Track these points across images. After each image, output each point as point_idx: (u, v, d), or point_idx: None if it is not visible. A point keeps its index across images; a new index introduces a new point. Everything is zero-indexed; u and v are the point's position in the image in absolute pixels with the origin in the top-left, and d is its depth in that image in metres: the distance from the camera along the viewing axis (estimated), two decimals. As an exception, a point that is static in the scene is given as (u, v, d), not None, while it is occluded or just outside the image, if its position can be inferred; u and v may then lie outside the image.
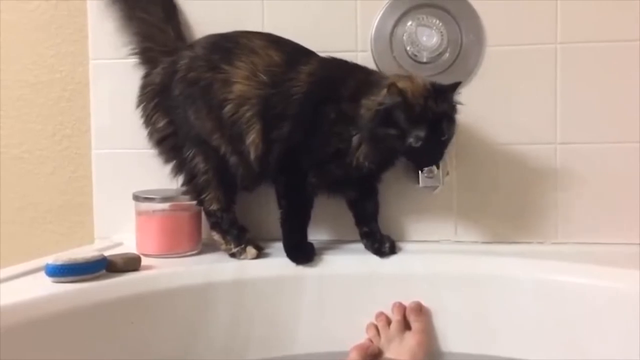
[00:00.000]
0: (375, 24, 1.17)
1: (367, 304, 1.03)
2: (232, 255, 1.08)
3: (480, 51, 1.15)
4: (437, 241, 1.18)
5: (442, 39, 1.14)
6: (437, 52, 1.15)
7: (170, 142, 1.12)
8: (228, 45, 1.08)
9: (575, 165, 1.14)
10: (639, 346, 0.88)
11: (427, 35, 1.15)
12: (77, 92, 1.28)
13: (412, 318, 1.00)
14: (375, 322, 1.02)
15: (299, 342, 1.03)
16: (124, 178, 1.23)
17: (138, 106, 1.14)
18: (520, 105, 1.13)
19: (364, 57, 1.17)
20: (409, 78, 1.00)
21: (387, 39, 1.17)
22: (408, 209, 1.19)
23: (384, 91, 0.96)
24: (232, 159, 1.08)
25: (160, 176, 1.18)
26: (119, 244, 1.19)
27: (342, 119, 1.02)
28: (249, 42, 1.07)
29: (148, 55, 1.15)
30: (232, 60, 1.06)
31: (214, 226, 1.11)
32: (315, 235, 1.19)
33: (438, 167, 1.06)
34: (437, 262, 1.07)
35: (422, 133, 0.95)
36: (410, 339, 0.98)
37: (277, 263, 1.06)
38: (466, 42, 1.15)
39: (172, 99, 1.09)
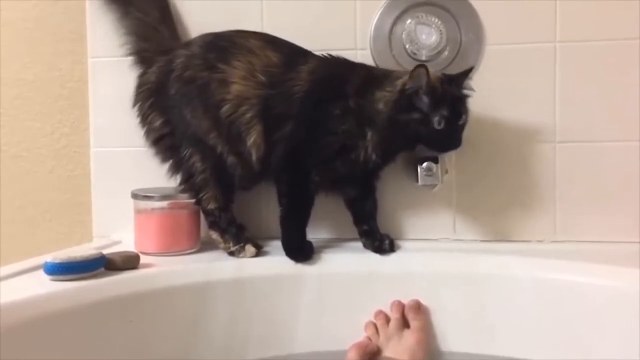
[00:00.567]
0: (375, 22, 1.17)
1: (366, 303, 1.03)
2: (231, 253, 1.08)
3: (480, 49, 1.15)
4: (436, 239, 1.18)
5: (441, 37, 1.14)
6: (436, 51, 1.15)
7: (167, 141, 1.12)
8: (224, 44, 1.08)
9: (574, 164, 1.14)
10: (639, 345, 0.89)
11: (426, 34, 1.15)
12: (75, 91, 1.28)
13: (411, 316, 1.00)
14: (374, 321, 1.02)
15: (298, 341, 1.03)
16: (123, 176, 1.23)
17: (134, 106, 1.14)
18: (519, 103, 1.13)
19: (363, 56, 1.16)
20: (424, 67, 1.01)
21: (386, 37, 1.17)
22: (407, 207, 1.19)
23: (402, 80, 1.00)
24: (230, 159, 1.08)
25: (159, 174, 1.18)
26: (118, 242, 1.19)
27: (350, 115, 1.02)
28: (246, 42, 1.07)
29: (143, 55, 1.15)
30: (229, 60, 1.06)
31: (212, 225, 1.11)
32: (314, 233, 1.19)
33: (436, 163, 1.06)
34: (435, 260, 1.07)
35: (445, 113, 0.98)
36: (409, 337, 0.98)
37: (276, 261, 1.06)
38: (465, 41, 1.15)
39: (169, 98, 1.09)
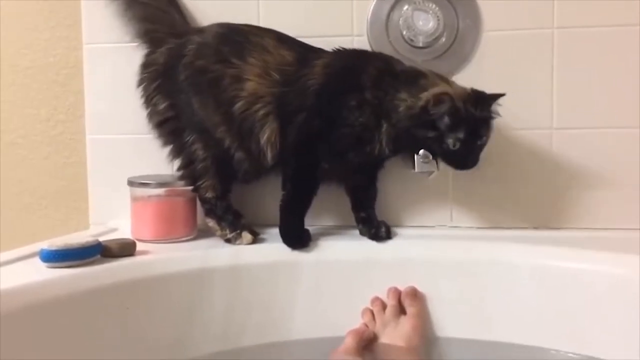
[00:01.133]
0: (372, 8, 1.16)
1: (363, 290, 1.03)
2: (228, 240, 1.08)
3: (477, 36, 1.14)
4: (433, 226, 1.19)
5: (438, 24, 1.13)
6: (433, 37, 1.14)
7: (170, 125, 1.11)
8: (239, 39, 1.07)
9: (572, 151, 1.14)
10: (639, 332, 0.89)
11: (423, 20, 1.14)
12: (71, 77, 1.27)
13: (407, 303, 1.01)
14: (371, 307, 1.03)
15: (295, 328, 1.03)
16: (119, 163, 1.23)
17: (139, 86, 1.13)
18: (516, 90, 1.12)
19: (360, 42, 1.16)
20: (446, 81, 1.02)
21: (383, 24, 1.16)
22: (404, 194, 1.19)
23: (427, 95, 0.98)
24: (238, 154, 1.08)
25: (156, 162, 1.17)
26: (114, 230, 1.19)
27: (366, 107, 1.02)
28: (261, 39, 1.07)
29: (152, 36, 1.13)
30: (243, 56, 1.05)
31: (209, 213, 1.11)
32: (311, 221, 1.19)
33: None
34: (432, 247, 1.07)
35: (461, 136, 0.97)
36: (405, 324, 0.98)
37: (273, 248, 1.06)
38: (463, 27, 1.14)
39: (177, 83, 1.08)
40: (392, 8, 1.16)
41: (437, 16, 1.14)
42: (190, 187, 1.11)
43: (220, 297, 1.01)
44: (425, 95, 0.98)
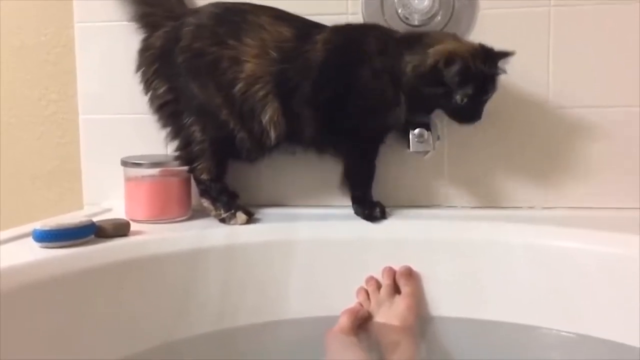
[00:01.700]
0: (367, -14, 1.15)
1: (358, 269, 1.03)
2: (222, 220, 1.08)
3: (473, 14, 1.13)
4: (428, 206, 1.18)
5: (433, 2, 1.12)
6: (429, 15, 1.13)
7: (170, 108, 1.11)
8: (235, 19, 1.06)
9: (567, 130, 1.14)
10: (633, 310, 0.90)
11: (418, -2, 1.13)
12: (63, 56, 1.26)
13: (402, 282, 1.01)
14: (366, 287, 1.03)
15: (289, 307, 1.03)
16: (113, 144, 1.22)
17: (137, 70, 1.12)
18: (512, 68, 1.11)
19: (354, 20, 1.14)
20: (454, 37, 1.03)
21: (378, 2, 1.15)
22: (399, 174, 1.18)
23: (435, 51, 0.98)
24: (241, 135, 1.07)
25: (150, 141, 1.17)
26: (108, 210, 1.18)
27: (381, 75, 1.03)
28: (257, 18, 1.06)
29: (148, 19, 1.12)
30: (240, 36, 1.05)
31: (204, 193, 1.11)
32: (306, 200, 1.20)
33: (428, 129, 1.06)
34: (427, 227, 1.07)
35: (469, 92, 0.98)
36: (400, 303, 0.99)
37: (268, 228, 1.07)
38: (458, 5, 1.13)
39: (174, 66, 1.08)
40: (388, -14, 1.14)
41: (433, -6, 1.12)
42: (186, 168, 1.11)
43: (215, 277, 1.01)
44: (433, 52, 0.99)
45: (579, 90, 1.12)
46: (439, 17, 1.13)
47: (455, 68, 0.97)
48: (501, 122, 1.12)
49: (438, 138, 1.10)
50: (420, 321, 1.00)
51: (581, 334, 0.94)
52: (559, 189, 1.15)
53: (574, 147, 1.14)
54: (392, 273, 1.02)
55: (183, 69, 1.07)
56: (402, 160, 1.17)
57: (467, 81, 0.98)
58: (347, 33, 1.08)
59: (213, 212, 1.09)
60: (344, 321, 0.96)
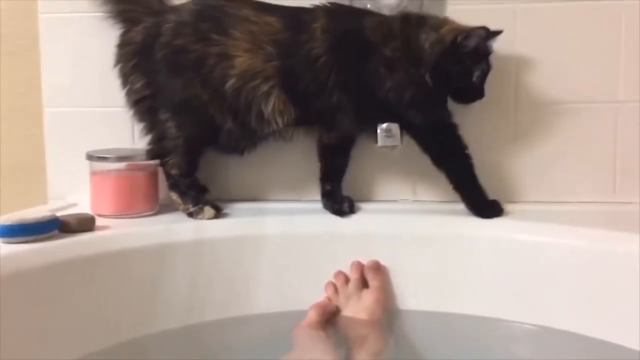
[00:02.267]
0: (336, -21, 1.15)
1: (327, 264, 1.04)
2: (190, 214, 1.07)
3: (442, 9, 1.13)
4: (396, 200, 1.19)
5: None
6: (397, 9, 1.12)
7: (146, 103, 1.09)
8: (216, 14, 1.05)
9: (534, 125, 1.15)
10: (593, 302, 0.92)
11: (387, -6, 1.13)
12: (28, 48, 1.23)
13: (370, 276, 1.01)
14: (334, 281, 1.03)
15: (258, 302, 1.03)
16: (79, 137, 1.20)
17: (116, 65, 1.11)
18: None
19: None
20: (449, 20, 1.06)
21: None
22: (367, 168, 1.19)
23: (448, 29, 1.02)
24: (230, 127, 1.06)
25: (117, 135, 1.16)
26: (74, 205, 1.16)
27: (395, 63, 1.03)
28: (238, 11, 1.05)
29: (126, 15, 1.11)
30: (225, 31, 1.03)
31: (173, 186, 1.10)
32: (276, 195, 1.20)
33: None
34: (396, 221, 1.08)
35: (485, 67, 1.04)
36: (368, 297, 0.99)
37: (237, 223, 1.06)
38: (427, 2, 1.13)
39: (153, 62, 1.06)
40: (357, -20, 1.14)
41: (401, -10, 1.13)
42: (153, 162, 1.10)
43: (183, 272, 1.01)
44: (447, 30, 1.02)
45: (546, 86, 1.14)
46: (408, 12, 1.14)
47: (473, 41, 1.01)
48: (468, 116, 1.13)
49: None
50: (388, 315, 1.01)
51: (542, 325, 0.95)
52: (524, 183, 1.17)
53: (540, 142, 1.16)
54: (360, 267, 1.02)
55: (163, 65, 1.06)
56: (371, 155, 1.17)
57: (480, 58, 1.03)
58: (343, 19, 1.07)
59: (181, 206, 1.09)
60: (312, 315, 0.96)
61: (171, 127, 1.07)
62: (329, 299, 1.02)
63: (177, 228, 1.04)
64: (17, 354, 0.82)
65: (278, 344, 0.97)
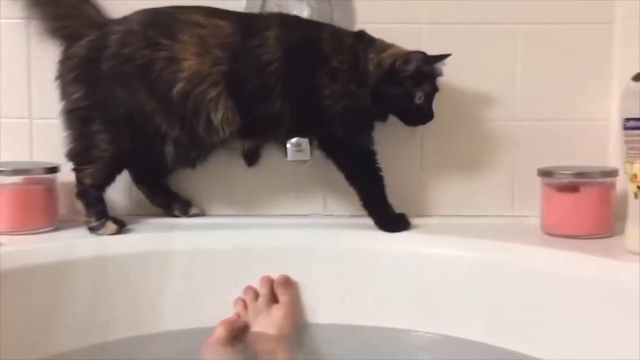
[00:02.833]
0: (246, -5, 1.15)
1: (236, 279, 1.02)
2: (91, 229, 1.04)
3: (351, 26, 1.15)
4: (307, 215, 1.20)
5: (312, 13, 1.14)
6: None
7: (80, 113, 1.05)
8: (165, 21, 1.03)
9: (437, 143, 1.19)
10: (492, 311, 0.95)
11: (297, 9, 1.14)
12: None
13: (280, 291, 1.01)
14: (243, 297, 1.02)
15: (164, 319, 1.00)
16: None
17: (57, 79, 1.07)
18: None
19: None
20: (393, 45, 1.08)
21: (258, 10, 1.14)
22: (277, 183, 1.19)
23: (390, 54, 1.05)
24: (177, 134, 1.04)
25: (14, 148, 1.11)
26: (-34, 221, 1.09)
27: (339, 76, 1.04)
28: (189, 16, 1.03)
29: (66, 31, 1.07)
30: (174, 35, 1.01)
31: (80, 195, 1.06)
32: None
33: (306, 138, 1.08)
34: (306, 235, 1.09)
35: (427, 89, 1.05)
36: (277, 312, 0.99)
37: (141, 239, 1.04)
38: (337, 17, 1.15)
39: (98, 74, 1.03)
40: (268, -5, 1.15)
41: (311, 6, 1.14)
42: (52, 175, 1.07)
43: (84, 290, 0.97)
44: (388, 55, 1.05)
45: (448, 103, 1.17)
46: (318, 29, 1.15)
47: (412, 66, 1.03)
48: (378, 134, 1.15)
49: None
50: (298, 329, 1.01)
51: (446, 334, 0.98)
52: (432, 197, 1.20)
53: (444, 158, 1.20)
54: (270, 282, 1.02)
55: (109, 77, 1.02)
56: (281, 169, 1.17)
57: (421, 80, 1.04)
58: (299, 30, 1.07)
59: (83, 217, 1.05)
60: (220, 332, 0.94)
61: (103, 141, 1.04)
62: (238, 315, 1.00)
63: (78, 244, 1.00)
64: None
65: (185, 363, 0.94)
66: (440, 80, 1.09)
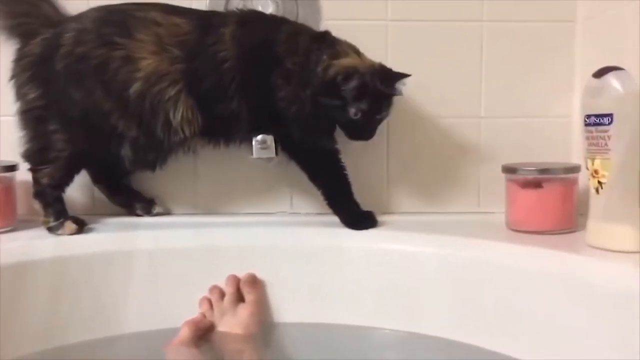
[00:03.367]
0: (211, -10, 1.14)
1: (202, 278, 1.01)
2: (49, 229, 1.01)
3: (317, 23, 1.15)
4: (274, 213, 1.19)
5: (277, 9, 1.13)
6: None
7: (36, 113, 1.03)
8: (121, 18, 1.01)
9: (402, 141, 1.20)
10: (461, 308, 0.95)
11: (262, 5, 1.13)
12: None
13: (246, 290, 1.00)
14: (209, 296, 1.00)
15: (128, 321, 0.98)
16: None
17: (11, 79, 1.04)
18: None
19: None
20: (357, 52, 1.04)
21: (222, 7, 1.13)
22: (243, 181, 1.18)
23: (337, 66, 1.00)
24: (134, 134, 1.02)
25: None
26: None
27: (292, 79, 1.02)
28: (146, 14, 1.01)
29: (21, 29, 1.05)
30: (130, 33, 0.99)
31: (38, 195, 1.04)
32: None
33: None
34: (272, 234, 1.08)
35: (364, 107, 0.99)
36: (243, 311, 0.98)
37: (103, 238, 1.02)
38: (302, 14, 1.15)
39: (52, 73, 1.00)
40: (232, -9, 1.14)
41: (277, 2, 1.13)
42: (9, 174, 1.04)
43: (44, 291, 0.95)
44: (336, 66, 1.00)
45: (414, 101, 1.18)
46: (283, 25, 1.14)
47: (353, 84, 0.99)
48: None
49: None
50: (265, 328, 1.00)
51: (415, 332, 0.98)
52: (397, 195, 1.21)
53: (410, 155, 1.20)
54: (236, 281, 1.00)
55: (63, 76, 1.00)
56: (246, 167, 1.16)
57: (362, 97, 0.99)
58: (256, 29, 1.05)
59: (42, 218, 1.03)
60: (185, 332, 0.93)
61: (59, 140, 1.02)
62: (204, 315, 0.99)
63: (38, 245, 0.98)
64: None
65: (149, 364, 0.92)
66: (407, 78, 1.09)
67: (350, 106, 0.99)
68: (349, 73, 0.99)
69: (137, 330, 0.99)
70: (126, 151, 1.04)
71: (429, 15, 1.18)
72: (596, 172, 0.88)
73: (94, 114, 1.01)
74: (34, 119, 1.04)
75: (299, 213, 1.19)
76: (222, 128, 1.07)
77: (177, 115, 1.01)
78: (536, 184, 1.04)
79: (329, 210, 1.10)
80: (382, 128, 1.16)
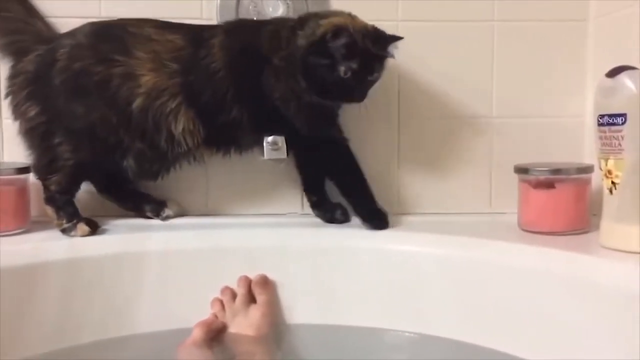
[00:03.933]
0: (221, -9, 1.14)
1: (213, 279, 1.01)
2: (63, 231, 1.02)
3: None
4: (284, 214, 1.19)
5: (287, 10, 1.14)
6: (284, 20, 1.14)
7: (40, 129, 1.04)
8: (116, 34, 1.02)
9: (414, 141, 1.19)
10: (469, 309, 0.95)
11: (273, 6, 1.14)
12: None
13: (257, 291, 1.00)
14: (221, 297, 1.01)
15: (140, 321, 0.99)
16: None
17: (6, 97, 1.05)
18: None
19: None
20: (349, 15, 1.02)
21: (233, 8, 1.14)
22: (254, 182, 1.18)
23: (326, 23, 0.98)
24: (139, 147, 1.04)
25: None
26: None
27: (281, 75, 1.01)
28: (140, 30, 1.02)
29: (15, 46, 1.06)
30: (128, 51, 1.01)
31: (49, 200, 1.05)
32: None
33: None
34: (283, 235, 1.08)
35: (354, 66, 0.98)
36: (255, 312, 0.98)
37: (115, 240, 1.02)
38: (313, 15, 1.15)
39: (50, 88, 1.02)
40: (243, -8, 1.14)
41: (287, 3, 1.14)
42: (24, 176, 1.05)
43: (57, 292, 0.95)
44: (325, 23, 0.99)
45: (426, 101, 1.18)
46: (294, 27, 1.14)
47: (341, 41, 0.97)
48: (353, 133, 1.14)
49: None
50: (276, 329, 1.00)
51: (423, 333, 0.97)
52: (409, 196, 1.20)
53: (422, 156, 1.20)
54: (248, 282, 1.01)
55: (62, 91, 1.01)
56: (258, 168, 1.16)
57: (352, 56, 0.97)
58: (240, 35, 1.06)
59: (55, 221, 1.03)
60: (197, 333, 0.93)
61: (65, 151, 1.03)
62: (215, 316, 0.99)
63: (51, 246, 0.99)
64: None
65: (161, 365, 0.93)
66: (418, 78, 1.09)
67: (339, 64, 0.98)
68: (338, 31, 0.98)
69: (149, 331, 0.99)
70: (130, 162, 1.06)
71: (440, 15, 1.18)
72: (610, 172, 0.87)
73: (100, 127, 1.02)
74: (38, 135, 1.05)
75: (310, 214, 1.18)
76: (228, 137, 1.07)
77: (179, 127, 1.02)
78: (548, 185, 1.03)
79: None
80: (393, 128, 1.17)
